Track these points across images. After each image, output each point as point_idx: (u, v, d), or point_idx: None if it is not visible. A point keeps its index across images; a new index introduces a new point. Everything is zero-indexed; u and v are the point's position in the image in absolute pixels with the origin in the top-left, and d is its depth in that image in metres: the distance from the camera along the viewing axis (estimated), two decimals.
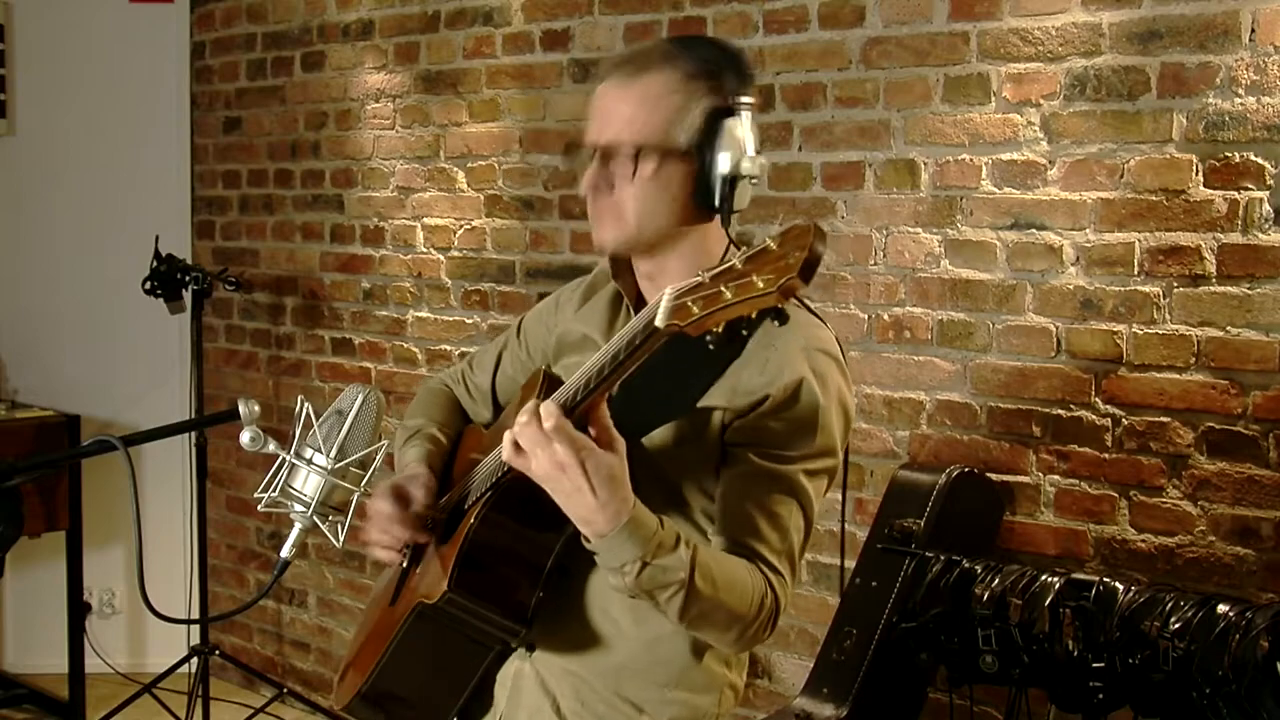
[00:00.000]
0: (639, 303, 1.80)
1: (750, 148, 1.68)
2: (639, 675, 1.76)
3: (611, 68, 1.72)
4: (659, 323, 1.38)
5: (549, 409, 1.50)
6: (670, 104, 1.66)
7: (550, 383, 1.72)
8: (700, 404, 1.67)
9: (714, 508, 1.69)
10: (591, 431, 1.52)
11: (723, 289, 1.32)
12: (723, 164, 1.66)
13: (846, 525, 3.22)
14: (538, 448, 1.49)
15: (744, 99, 1.69)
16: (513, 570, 1.69)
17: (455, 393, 2.09)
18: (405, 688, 1.82)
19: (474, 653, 1.78)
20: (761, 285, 1.29)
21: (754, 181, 1.68)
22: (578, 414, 1.51)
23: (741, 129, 1.67)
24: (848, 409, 1.73)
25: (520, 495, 1.62)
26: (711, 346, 1.36)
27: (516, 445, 1.52)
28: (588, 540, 1.56)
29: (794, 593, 1.70)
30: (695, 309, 1.33)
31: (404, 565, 1.89)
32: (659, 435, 1.68)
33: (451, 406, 2.07)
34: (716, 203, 1.67)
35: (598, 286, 1.90)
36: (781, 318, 1.33)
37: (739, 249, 1.74)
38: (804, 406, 1.66)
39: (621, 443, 1.53)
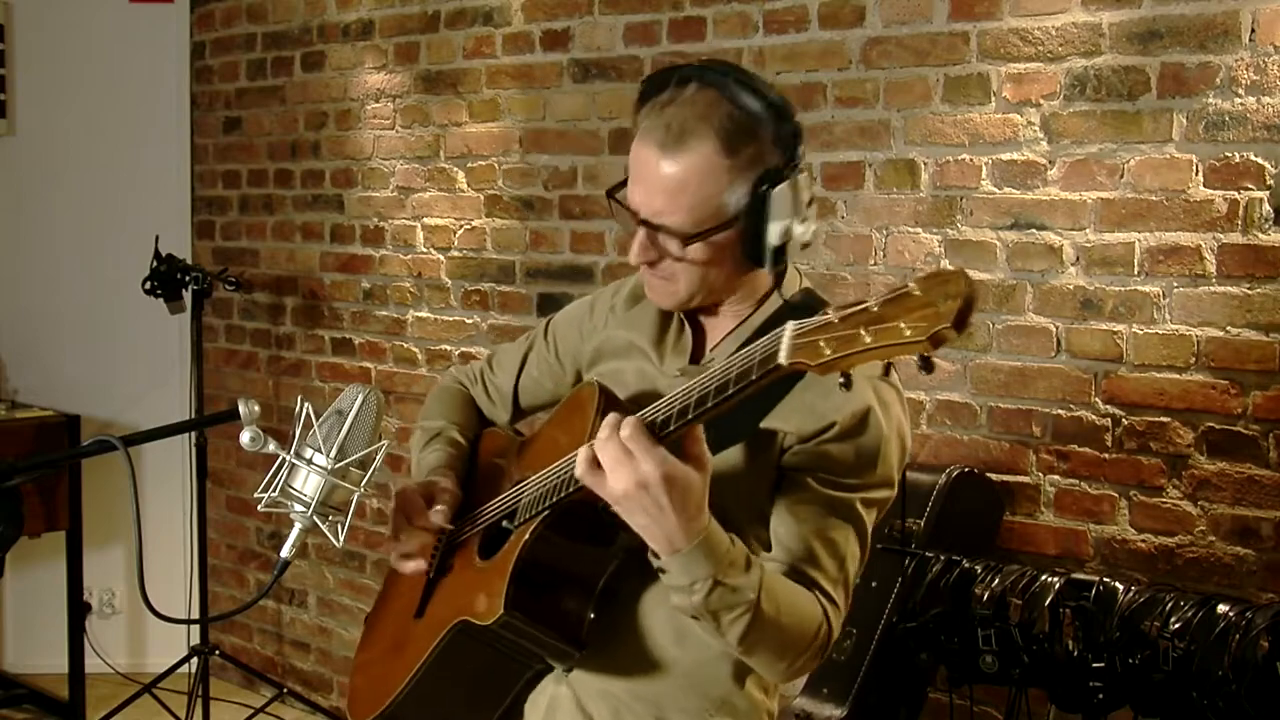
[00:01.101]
0: (689, 314, 1.78)
1: (801, 210, 1.62)
2: (681, 700, 1.73)
3: (650, 125, 1.62)
4: (782, 360, 1.32)
5: (631, 425, 1.45)
6: (716, 183, 1.59)
7: (607, 398, 1.68)
8: (762, 425, 1.64)
9: (767, 533, 1.66)
10: (692, 453, 1.48)
11: (861, 332, 1.25)
12: (773, 235, 1.60)
13: None
14: (619, 465, 1.44)
15: (792, 161, 1.62)
16: (567, 590, 1.65)
17: (472, 393, 2.05)
18: (433, 707, 1.79)
19: (512, 673, 1.75)
20: (910, 333, 1.22)
21: (805, 245, 1.64)
22: (669, 440, 1.46)
23: (791, 194, 1.60)
24: (905, 440, 1.70)
25: (578, 514, 1.59)
26: (844, 386, 1.31)
27: (594, 462, 1.47)
28: (656, 557, 1.51)
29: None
30: (827, 350, 1.27)
31: (429, 575, 1.85)
32: (721, 459, 1.62)
33: (469, 408, 2.03)
34: (767, 268, 1.63)
35: (641, 293, 1.84)
36: (929, 367, 1.27)
37: (792, 286, 1.73)
38: (869, 435, 1.63)
39: (709, 461, 1.49)
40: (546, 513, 1.62)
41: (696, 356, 1.76)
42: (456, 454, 1.91)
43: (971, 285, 1.22)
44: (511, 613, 1.60)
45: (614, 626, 1.71)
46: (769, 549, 1.65)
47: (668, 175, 1.60)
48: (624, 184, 1.68)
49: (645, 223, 1.63)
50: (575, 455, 1.51)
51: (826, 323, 1.29)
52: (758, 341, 1.38)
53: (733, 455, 1.65)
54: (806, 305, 1.64)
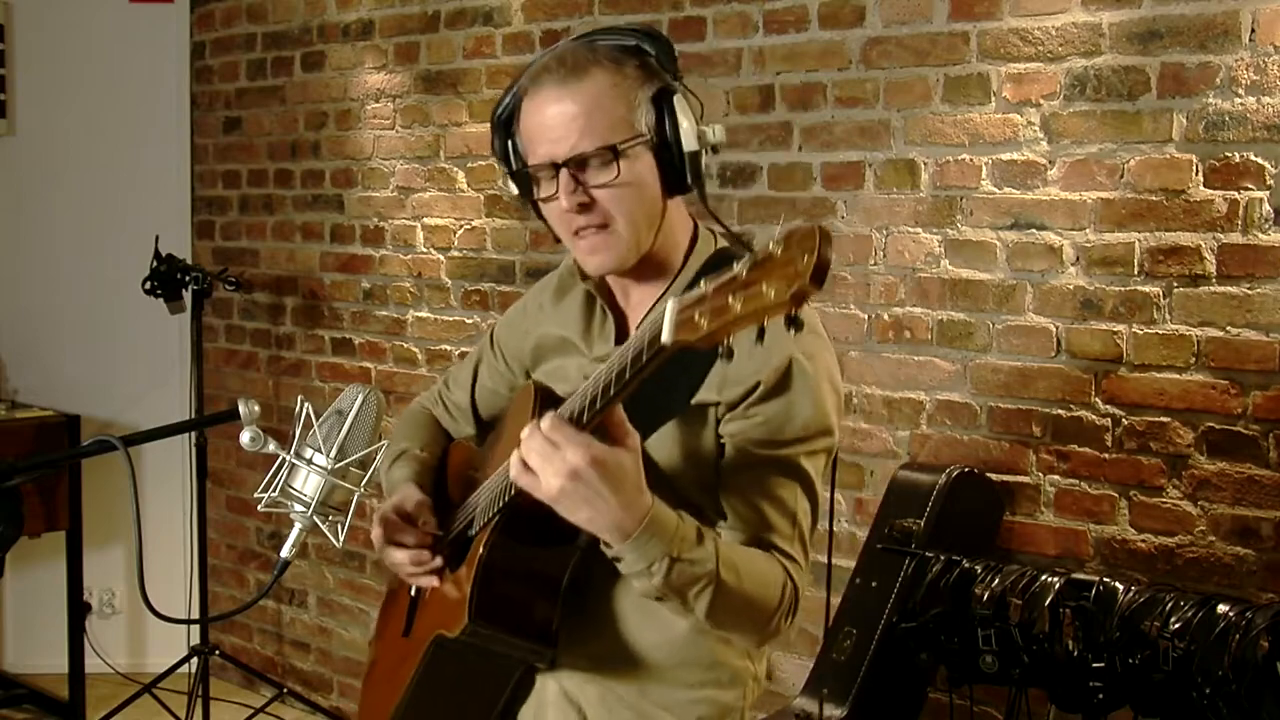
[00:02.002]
0: (610, 300, 1.79)
1: (701, 117, 1.65)
2: (663, 679, 1.74)
3: (542, 77, 1.64)
4: (665, 340, 1.33)
5: (549, 420, 1.46)
6: (621, 96, 1.62)
7: (543, 396, 1.69)
8: (694, 401, 1.65)
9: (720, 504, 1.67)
10: (614, 432, 1.48)
11: (730, 300, 1.26)
12: (688, 141, 1.62)
13: (847, 525, 3.23)
14: (546, 462, 1.45)
15: (677, 74, 1.66)
16: (531, 591, 1.66)
17: (435, 414, 2.06)
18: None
19: (498, 677, 1.77)
20: (773, 296, 1.24)
21: (716, 149, 1.65)
22: (589, 430, 1.47)
23: (686, 104, 1.64)
24: (837, 385, 1.70)
25: (529, 515, 1.59)
26: (723, 358, 1.32)
27: (525, 465, 1.47)
28: (609, 547, 1.52)
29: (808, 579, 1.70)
30: (703, 323, 1.28)
31: (412, 593, 1.87)
32: (657, 439, 1.66)
33: (432, 427, 2.04)
34: (690, 182, 1.64)
35: (566, 286, 1.87)
36: (797, 325, 1.27)
37: (715, 228, 1.74)
38: (796, 388, 1.63)
39: (636, 438, 1.49)
40: (496, 518, 1.63)
41: (622, 339, 1.76)
42: (419, 469, 1.92)
43: (825, 239, 1.23)
44: (476, 621, 1.61)
45: (589, 614, 1.72)
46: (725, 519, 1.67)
47: (575, 106, 1.61)
48: (523, 170, 1.69)
49: (566, 164, 1.62)
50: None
51: (701, 296, 1.30)
52: (646, 322, 1.39)
53: (672, 434, 1.66)
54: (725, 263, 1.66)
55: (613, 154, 1.61)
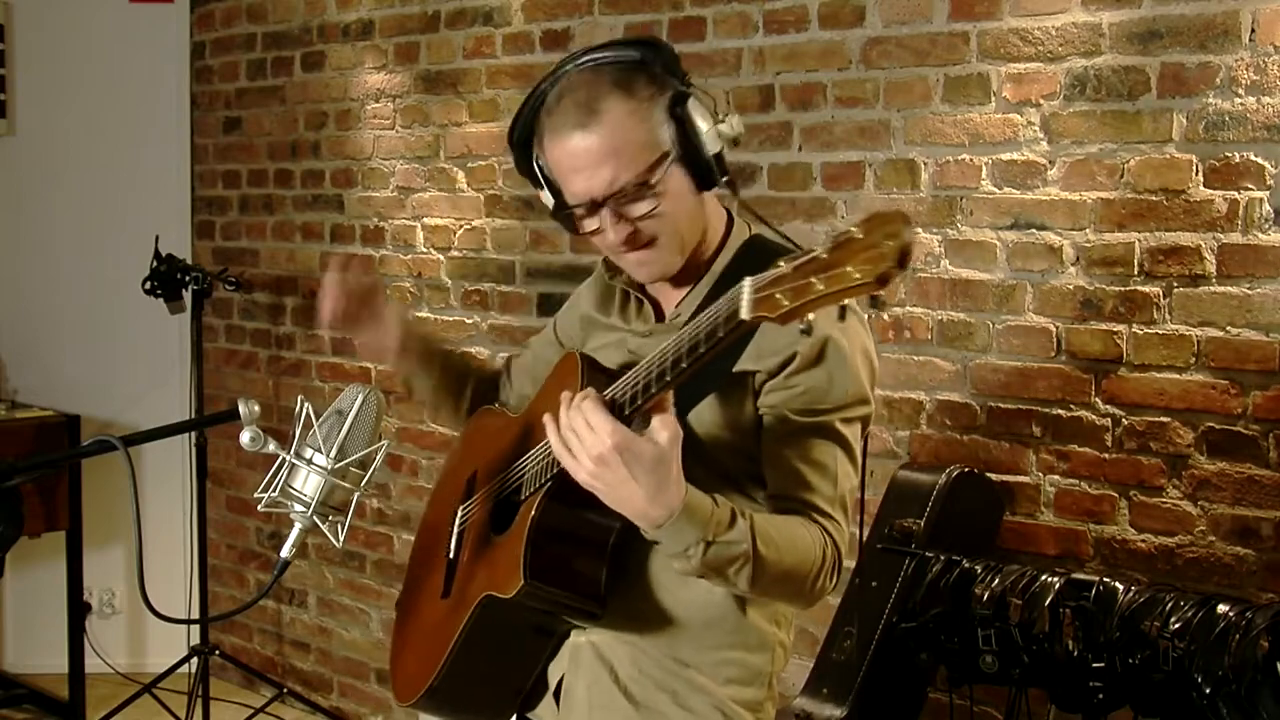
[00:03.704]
0: (643, 289, 1.86)
1: (716, 114, 1.71)
2: (692, 639, 1.80)
3: (560, 118, 1.70)
4: (745, 315, 1.38)
5: (590, 402, 1.52)
6: (640, 125, 1.68)
7: (590, 366, 1.74)
8: (734, 370, 1.71)
9: (759, 473, 1.73)
10: (654, 421, 1.53)
11: (813, 280, 1.31)
12: (709, 142, 1.69)
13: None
14: (580, 445, 1.51)
15: (684, 77, 1.71)
16: (581, 552, 1.72)
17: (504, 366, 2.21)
18: (472, 679, 1.84)
19: (542, 636, 1.83)
20: (858, 276, 1.29)
21: (738, 141, 1.72)
22: (647, 407, 1.53)
23: (700, 104, 1.70)
24: (872, 358, 1.78)
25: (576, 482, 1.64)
26: (804, 334, 1.37)
27: (565, 445, 1.55)
28: (646, 531, 1.58)
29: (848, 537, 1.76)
30: (785, 300, 1.33)
31: (450, 555, 1.91)
32: (699, 411, 1.72)
33: (476, 360, 2.24)
34: (720, 180, 1.71)
35: (599, 281, 1.97)
36: (880, 305, 1.33)
37: (745, 211, 1.83)
38: (832, 359, 1.70)
39: (669, 433, 1.52)
40: (549, 484, 1.68)
41: (659, 319, 1.86)
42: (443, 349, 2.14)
43: (909, 223, 1.28)
44: (531, 582, 1.66)
45: (625, 578, 1.77)
46: (764, 487, 1.73)
47: (599, 144, 1.67)
48: (560, 206, 1.77)
49: (606, 200, 1.70)
50: None
51: (781, 275, 1.35)
52: (719, 300, 1.45)
53: (713, 405, 1.72)
54: (761, 253, 1.72)
55: (648, 186, 1.68)
